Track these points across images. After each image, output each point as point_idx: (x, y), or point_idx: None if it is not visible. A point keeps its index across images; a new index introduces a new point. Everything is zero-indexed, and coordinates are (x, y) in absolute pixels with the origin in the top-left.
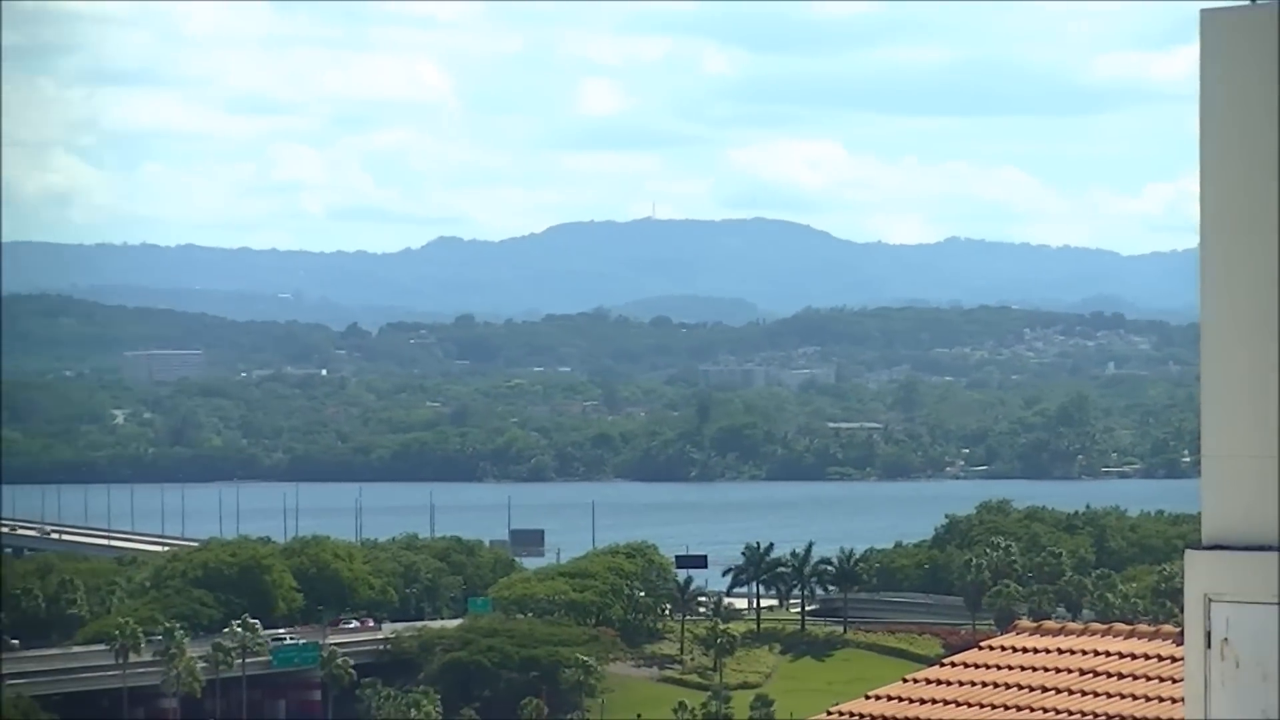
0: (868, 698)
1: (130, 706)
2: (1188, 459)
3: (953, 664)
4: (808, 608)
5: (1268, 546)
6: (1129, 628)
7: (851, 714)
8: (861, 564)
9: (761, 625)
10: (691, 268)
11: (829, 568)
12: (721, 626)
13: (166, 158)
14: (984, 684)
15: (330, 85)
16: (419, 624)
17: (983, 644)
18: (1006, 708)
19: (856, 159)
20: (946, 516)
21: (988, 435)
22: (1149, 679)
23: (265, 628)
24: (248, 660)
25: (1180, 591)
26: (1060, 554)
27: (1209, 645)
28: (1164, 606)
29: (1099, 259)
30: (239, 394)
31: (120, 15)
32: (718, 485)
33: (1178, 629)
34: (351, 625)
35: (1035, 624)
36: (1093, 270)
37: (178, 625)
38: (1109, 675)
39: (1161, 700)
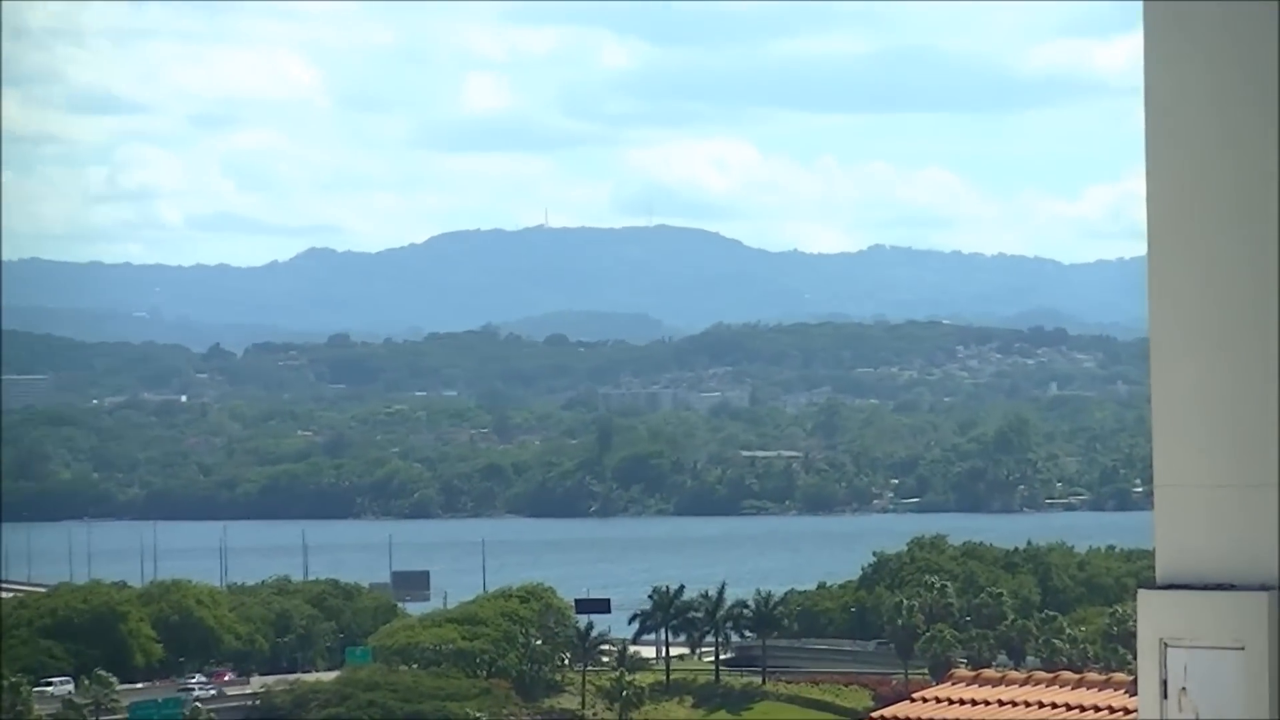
0: None
1: None
2: (1139, 489)
3: (883, 718)
4: (722, 656)
5: (1229, 585)
6: (1077, 676)
7: None
8: (781, 607)
9: (671, 676)
10: (589, 280)
11: (745, 612)
12: (627, 678)
13: (5, 162)
14: None
15: (185, 81)
16: (291, 676)
17: (915, 695)
18: None
19: (768, 160)
20: (874, 554)
21: (918, 464)
22: None
23: (121, 681)
24: (102, 718)
25: (1133, 635)
26: (1001, 595)
27: (1165, 695)
28: (1116, 652)
29: (1037, 268)
30: (90, 423)
31: None
32: (621, 521)
33: (1130, 677)
34: (194, 680)
35: (974, 672)
36: (1030, 281)
37: (24, 679)
38: None
39: None
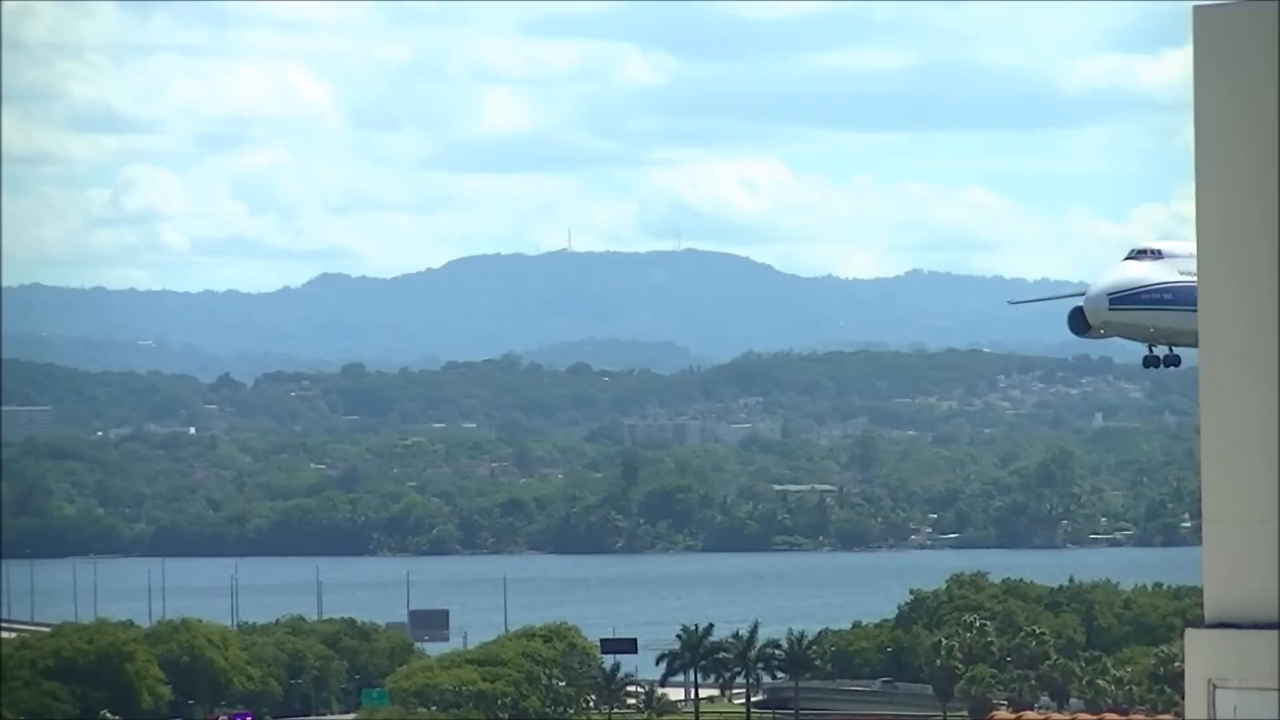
0: None
1: None
2: (1187, 524)
3: None
4: (753, 698)
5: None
6: (1122, 718)
7: None
8: (814, 647)
9: (701, 718)
10: (613, 307)
11: (777, 652)
12: None
13: (3, 183)
14: None
15: (190, 98)
16: (305, 719)
17: None
18: None
19: (800, 180)
20: (911, 592)
21: (957, 498)
22: None
23: None
24: None
25: (1181, 676)
26: (1043, 634)
27: None
28: (1163, 693)
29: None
30: (94, 455)
31: None
32: (647, 557)
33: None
34: None
35: (1015, 715)
36: None
37: None
38: None
39: None
